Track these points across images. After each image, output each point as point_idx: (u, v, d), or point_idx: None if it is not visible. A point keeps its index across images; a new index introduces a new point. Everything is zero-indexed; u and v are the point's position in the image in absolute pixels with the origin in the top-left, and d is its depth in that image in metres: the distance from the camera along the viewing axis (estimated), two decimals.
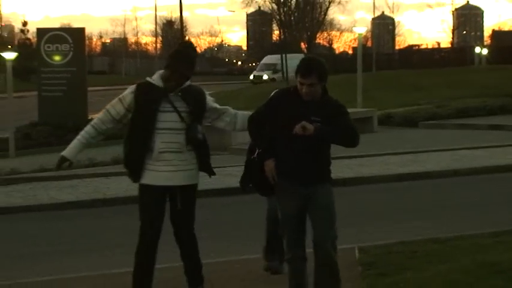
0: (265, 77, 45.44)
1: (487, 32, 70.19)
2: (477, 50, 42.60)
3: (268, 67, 47.51)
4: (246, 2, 53.47)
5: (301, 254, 4.03)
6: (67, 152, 4.26)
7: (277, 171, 3.91)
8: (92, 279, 5.56)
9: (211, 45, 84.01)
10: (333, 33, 61.51)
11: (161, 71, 4.27)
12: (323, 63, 4.08)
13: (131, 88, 4.23)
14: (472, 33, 69.04)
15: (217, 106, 4.37)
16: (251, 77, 47.34)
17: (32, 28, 40.31)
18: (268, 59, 49.39)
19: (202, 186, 4.89)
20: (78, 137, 4.29)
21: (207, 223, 6.60)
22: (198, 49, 45.67)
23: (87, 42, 25.01)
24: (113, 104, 4.24)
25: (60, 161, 4.29)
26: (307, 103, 3.92)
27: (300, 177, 3.93)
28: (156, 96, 4.08)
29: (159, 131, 4.04)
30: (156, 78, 4.21)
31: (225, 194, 9.10)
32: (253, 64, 62.32)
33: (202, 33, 77.78)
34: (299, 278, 4.06)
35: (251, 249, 5.91)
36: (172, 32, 66.22)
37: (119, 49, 70.89)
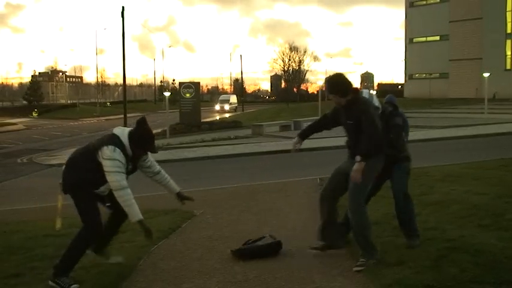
0: (217, 107, 65.53)
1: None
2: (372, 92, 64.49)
3: (222, 102, 68.36)
4: (270, 71, 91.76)
5: None
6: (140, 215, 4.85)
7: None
8: None
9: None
10: (308, 84, 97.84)
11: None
12: (330, 81, 5.29)
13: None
14: (370, 85, 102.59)
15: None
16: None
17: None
18: (222, 97, 73.60)
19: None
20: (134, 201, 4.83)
21: None
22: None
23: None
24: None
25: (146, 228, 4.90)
26: (343, 110, 5.17)
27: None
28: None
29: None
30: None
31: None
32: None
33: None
34: None
35: None
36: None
37: None
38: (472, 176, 9.66)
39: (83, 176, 4.93)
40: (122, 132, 5.00)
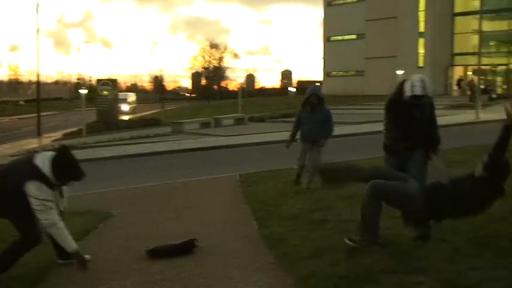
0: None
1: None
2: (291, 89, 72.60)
3: (120, 101, 69.04)
4: (190, 68, 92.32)
5: None
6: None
7: None
8: None
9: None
10: (228, 81, 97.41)
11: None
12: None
13: None
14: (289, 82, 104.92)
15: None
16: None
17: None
18: (120, 95, 74.12)
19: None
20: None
21: None
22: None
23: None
24: None
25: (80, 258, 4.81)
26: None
27: None
28: None
29: None
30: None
31: None
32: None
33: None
34: None
35: None
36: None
37: None
38: None
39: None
40: (43, 162, 4.71)
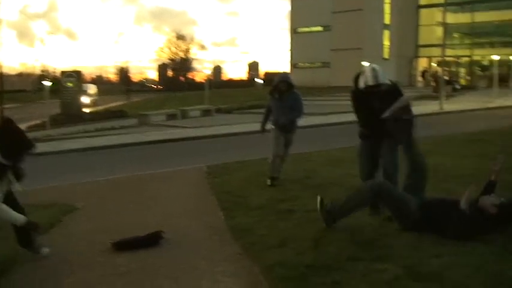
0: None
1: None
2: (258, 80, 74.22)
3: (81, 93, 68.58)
4: (157, 59, 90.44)
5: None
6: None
7: None
8: None
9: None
10: (195, 72, 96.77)
11: None
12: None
13: None
14: (256, 74, 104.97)
15: None
16: None
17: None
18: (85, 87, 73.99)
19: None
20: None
21: None
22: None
23: None
24: None
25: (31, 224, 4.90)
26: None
27: None
28: None
29: None
30: None
31: None
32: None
33: None
34: None
35: None
36: None
37: None
38: (350, 159, 10.02)
39: None
40: None
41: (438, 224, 5.00)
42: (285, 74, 9.54)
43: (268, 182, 8.26)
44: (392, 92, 5.90)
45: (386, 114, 5.63)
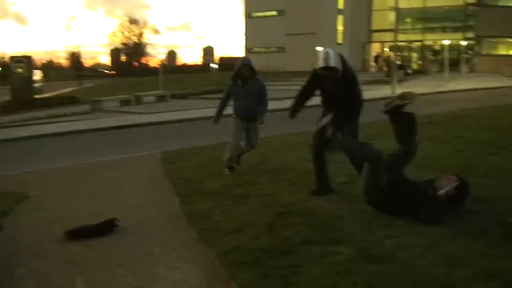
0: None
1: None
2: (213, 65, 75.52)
3: None
4: (109, 44, 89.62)
5: None
6: None
7: None
8: None
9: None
10: (149, 57, 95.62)
11: None
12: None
13: None
14: (211, 58, 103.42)
15: None
16: None
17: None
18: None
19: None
20: None
21: None
22: None
23: None
24: None
25: None
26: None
27: None
28: None
29: None
30: None
31: None
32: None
33: None
34: None
35: None
36: None
37: None
38: (305, 144, 10.12)
39: None
40: None
41: (407, 204, 5.08)
42: (246, 58, 8.84)
43: (227, 171, 8.05)
44: (348, 81, 6.04)
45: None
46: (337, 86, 6.00)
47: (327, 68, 5.87)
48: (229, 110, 8.40)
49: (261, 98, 8.06)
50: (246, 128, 8.19)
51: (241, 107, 8.06)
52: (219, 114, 8.26)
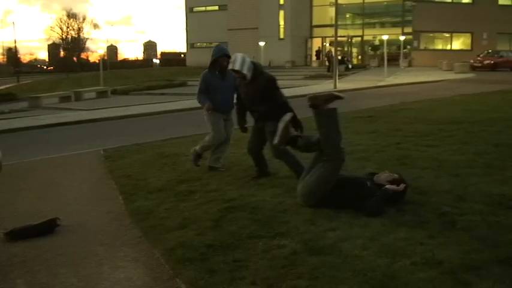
0: None
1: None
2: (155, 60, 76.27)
3: None
4: (47, 39, 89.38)
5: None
6: None
7: None
8: None
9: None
10: (89, 53, 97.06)
11: None
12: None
13: None
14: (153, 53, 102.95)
15: None
16: None
17: None
18: None
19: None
20: None
21: None
22: None
23: None
24: None
25: None
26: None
27: None
28: None
29: None
30: None
31: None
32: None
33: None
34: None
35: None
36: None
37: None
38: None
39: None
40: None
41: (350, 201, 5.19)
42: (222, 46, 7.84)
43: (192, 159, 7.81)
44: (259, 88, 6.57)
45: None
46: (249, 89, 6.68)
47: (234, 70, 6.55)
48: (194, 102, 8.21)
49: (236, 89, 7.25)
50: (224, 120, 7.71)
51: (223, 102, 7.47)
52: (207, 107, 7.49)
